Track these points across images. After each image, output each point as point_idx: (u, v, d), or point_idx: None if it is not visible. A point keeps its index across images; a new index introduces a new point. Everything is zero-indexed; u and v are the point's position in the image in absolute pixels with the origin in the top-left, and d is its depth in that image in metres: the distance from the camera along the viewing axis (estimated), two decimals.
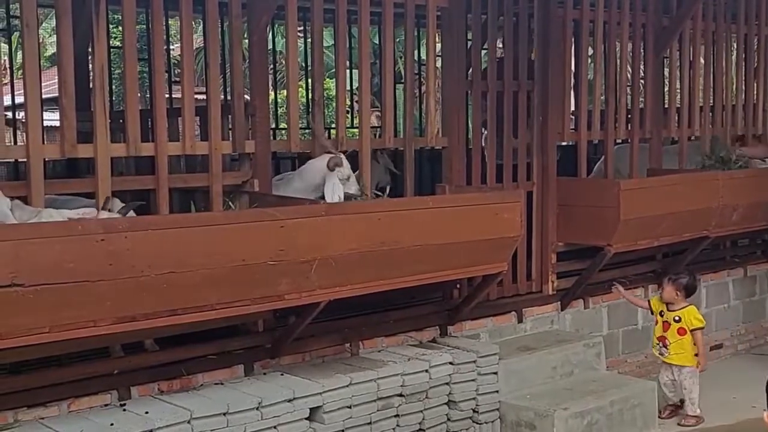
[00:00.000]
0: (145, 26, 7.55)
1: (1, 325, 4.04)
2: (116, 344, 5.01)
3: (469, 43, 6.83)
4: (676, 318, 6.62)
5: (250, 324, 5.50)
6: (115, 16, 8.18)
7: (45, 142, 4.95)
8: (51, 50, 19.34)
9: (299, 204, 5.21)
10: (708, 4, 8.12)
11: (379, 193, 6.10)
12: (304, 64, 9.13)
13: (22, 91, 5.07)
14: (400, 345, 6.10)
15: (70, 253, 4.13)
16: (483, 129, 6.81)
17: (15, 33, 9.01)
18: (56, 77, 4.92)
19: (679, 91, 8.15)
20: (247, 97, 5.60)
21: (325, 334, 5.81)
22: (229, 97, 6.03)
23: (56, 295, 4.10)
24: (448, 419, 5.84)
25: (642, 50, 7.88)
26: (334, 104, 7.69)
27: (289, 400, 5.10)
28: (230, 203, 5.37)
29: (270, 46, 8.67)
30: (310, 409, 5.19)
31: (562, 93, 7.13)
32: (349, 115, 9.29)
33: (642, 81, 8.23)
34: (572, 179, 7.26)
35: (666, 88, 8.76)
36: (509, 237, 5.83)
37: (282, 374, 5.41)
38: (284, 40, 6.34)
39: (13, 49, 9.21)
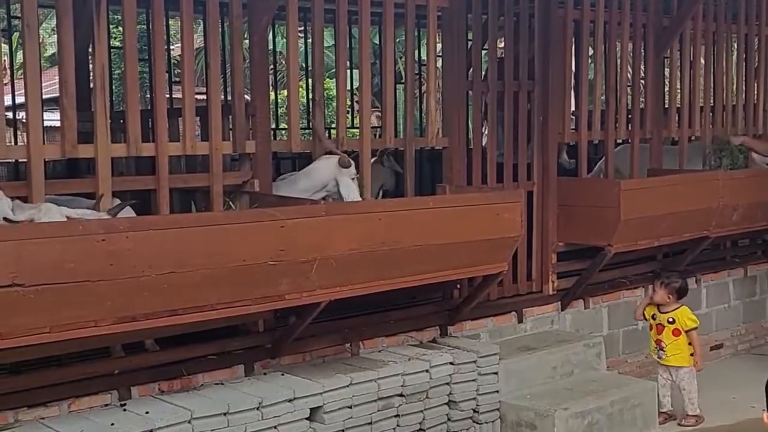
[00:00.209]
0: (145, 26, 7.55)
1: (2, 325, 4.04)
2: (117, 344, 5.02)
3: (470, 43, 6.84)
4: (670, 320, 6.62)
5: (250, 324, 5.50)
6: (116, 17, 8.18)
7: (45, 143, 4.94)
8: (51, 50, 19.35)
9: (299, 204, 5.21)
10: (708, 5, 8.12)
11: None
12: (304, 64, 9.13)
13: (23, 91, 5.07)
14: (400, 345, 6.10)
15: (71, 253, 4.13)
16: (483, 129, 6.82)
17: (15, 33, 9.01)
18: (56, 77, 4.92)
19: (679, 91, 8.15)
20: (247, 97, 5.60)
21: (326, 334, 5.81)
22: (229, 98, 6.04)
23: (57, 295, 4.10)
24: (449, 419, 5.84)
25: (642, 50, 7.88)
26: (334, 104, 7.69)
27: (290, 400, 5.10)
28: (231, 203, 5.37)
29: (270, 47, 8.66)
30: (311, 409, 5.19)
31: (563, 93, 7.13)
32: (349, 115, 9.29)
33: (642, 81, 8.23)
34: (573, 179, 7.26)
35: (666, 89, 8.76)
36: (510, 237, 5.83)
37: (282, 374, 5.41)
38: (285, 40, 6.34)
39: (13, 49, 9.19)
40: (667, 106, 8.44)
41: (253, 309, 4.88)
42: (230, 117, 5.50)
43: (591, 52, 8.03)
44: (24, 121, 5.21)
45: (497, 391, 6.08)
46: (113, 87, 6.66)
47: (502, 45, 7.06)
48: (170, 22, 9.29)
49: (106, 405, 4.90)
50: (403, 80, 6.64)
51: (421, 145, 6.79)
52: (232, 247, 4.63)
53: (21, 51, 4.95)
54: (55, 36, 5.04)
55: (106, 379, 4.97)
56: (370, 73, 6.29)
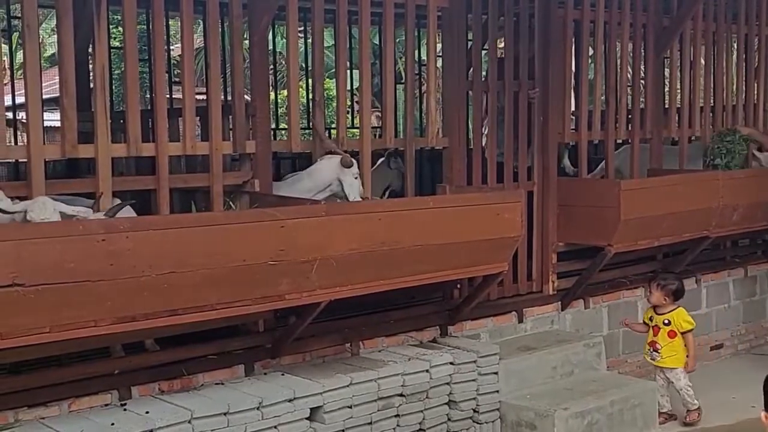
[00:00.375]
0: (145, 26, 7.55)
1: (2, 325, 4.05)
2: (117, 344, 5.02)
3: (470, 43, 6.83)
4: (666, 321, 6.61)
5: (250, 324, 5.50)
6: (115, 17, 8.18)
7: (45, 143, 4.94)
8: (51, 50, 19.34)
9: (299, 204, 5.21)
10: (708, 5, 8.12)
11: None
12: (304, 65, 9.13)
13: (22, 91, 5.07)
14: (400, 345, 6.10)
15: (71, 253, 4.13)
16: (483, 129, 6.82)
17: (15, 33, 9.01)
18: (56, 77, 4.92)
19: (679, 91, 8.15)
20: (247, 97, 5.60)
21: (326, 334, 5.81)
22: (229, 98, 6.04)
23: (57, 295, 4.10)
24: (449, 419, 5.84)
25: (642, 50, 7.88)
26: (334, 104, 7.70)
27: (290, 400, 5.10)
28: (231, 203, 5.37)
29: (270, 47, 8.66)
30: (311, 409, 5.19)
31: (563, 93, 7.13)
32: (349, 115, 9.29)
33: (642, 81, 8.23)
34: (573, 179, 7.26)
35: (666, 89, 8.76)
36: (510, 237, 5.83)
37: (282, 374, 5.41)
38: (284, 40, 6.34)
39: (13, 49, 9.19)
40: (667, 106, 8.44)
41: (253, 309, 4.88)
42: (230, 117, 5.51)
43: (591, 52, 8.02)
44: (24, 121, 5.21)
45: (497, 391, 6.07)
46: (113, 87, 6.66)
47: (502, 45, 7.07)
48: (170, 23, 9.30)
49: (106, 405, 4.90)
50: (403, 80, 6.64)
51: (421, 145, 6.79)
52: (232, 247, 4.63)
53: (21, 51, 4.96)
54: (55, 36, 5.05)
55: (107, 379, 4.97)
56: (370, 73, 6.29)
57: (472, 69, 6.72)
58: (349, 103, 8.84)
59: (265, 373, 5.45)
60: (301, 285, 4.91)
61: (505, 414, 6.09)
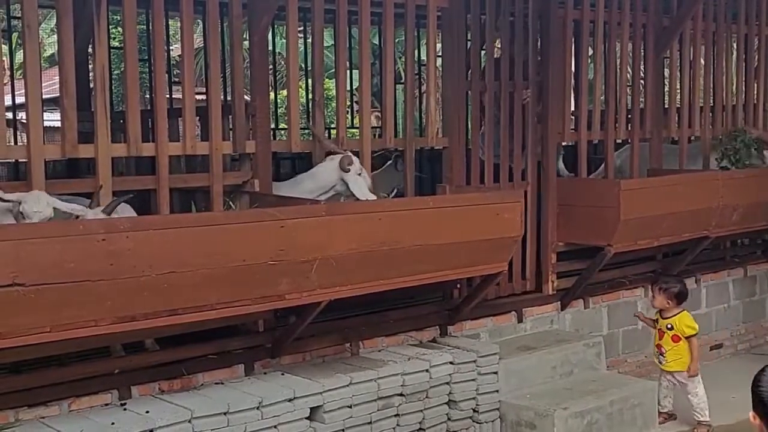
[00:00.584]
0: (145, 27, 7.56)
1: (2, 325, 4.05)
2: (117, 344, 5.02)
3: (470, 43, 6.84)
4: (669, 326, 6.56)
5: (250, 324, 5.50)
6: (115, 17, 8.19)
7: (45, 143, 4.95)
8: (50, 51, 19.34)
9: (299, 204, 5.21)
10: (708, 5, 8.13)
11: None
12: (304, 65, 9.14)
13: (22, 91, 5.07)
14: (400, 345, 6.11)
15: (71, 252, 4.13)
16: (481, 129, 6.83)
17: (14, 33, 9.01)
18: (55, 78, 4.93)
19: (679, 91, 8.16)
20: (247, 97, 5.60)
21: (326, 334, 5.81)
22: (229, 98, 6.04)
23: (57, 294, 4.10)
24: (449, 419, 5.85)
25: (642, 50, 7.88)
26: (333, 104, 7.70)
27: (290, 400, 5.10)
28: (231, 203, 5.38)
29: (270, 47, 8.66)
30: (311, 408, 5.19)
31: (563, 93, 7.13)
32: (348, 116, 9.30)
33: (642, 81, 8.24)
34: (573, 179, 7.26)
35: (666, 89, 8.77)
36: (509, 237, 5.84)
37: (282, 374, 5.42)
38: (284, 40, 6.35)
39: (12, 49, 9.20)
40: (666, 106, 8.45)
41: (253, 309, 4.88)
42: (230, 117, 5.51)
43: (591, 52, 8.03)
44: (23, 121, 5.22)
45: (497, 391, 6.08)
46: (113, 87, 6.67)
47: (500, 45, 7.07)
48: (170, 23, 9.31)
49: (106, 404, 4.91)
50: (402, 80, 6.64)
51: (421, 145, 6.80)
52: (232, 247, 4.63)
53: (20, 51, 4.96)
54: (55, 36, 5.05)
55: (107, 379, 4.97)
56: (370, 73, 6.30)
57: (471, 69, 6.72)
58: (348, 103, 8.84)
59: (265, 373, 5.46)
60: (301, 285, 4.92)
61: (504, 414, 6.09)
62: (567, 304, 7.18)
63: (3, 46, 8.68)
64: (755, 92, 8.81)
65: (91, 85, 6.38)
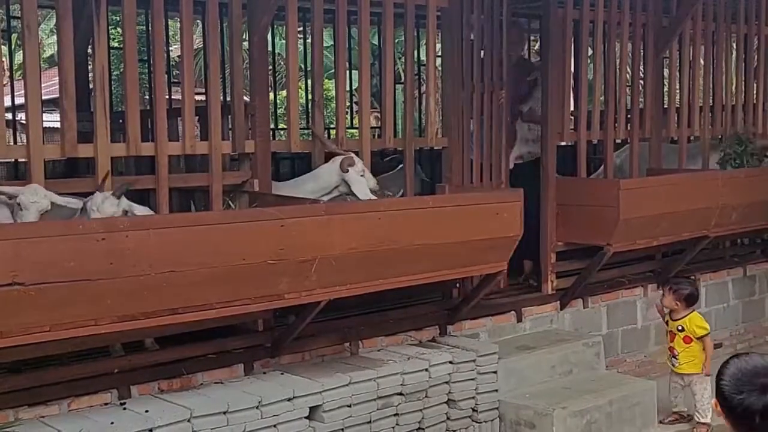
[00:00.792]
0: (144, 27, 7.56)
1: (2, 324, 4.06)
2: (116, 343, 5.03)
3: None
4: (680, 327, 6.53)
5: (250, 323, 5.51)
6: (114, 17, 8.19)
7: (44, 143, 4.95)
8: (50, 51, 19.35)
9: (299, 203, 5.22)
10: (708, 4, 8.12)
11: None
12: (303, 65, 9.14)
13: (21, 92, 5.08)
14: (399, 344, 6.11)
15: (71, 252, 4.15)
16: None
17: (14, 34, 9.02)
18: (55, 78, 4.93)
19: (678, 91, 8.16)
20: (246, 98, 5.61)
21: (325, 334, 5.82)
22: (228, 98, 6.04)
23: (57, 293, 4.11)
24: (448, 418, 5.85)
25: (642, 50, 7.89)
26: (333, 105, 7.70)
27: (289, 399, 5.11)
28: (230, 203, 5.39)
29: (269, 48, 8.67)
30: (310, 408, 5.20)
31: (562, 93, 7.14)
32: (348, 116, 9.30)
33: (642, 81, 8.24)
34: (572, 179, 7.27)
35: (666, 88, 8.77)
36: (509, 236, 5.84)
37: (282, 373, 5.43)
38: (283, 41, 6.35)
39: (12, 50, 9.20)
40: (666, 105, 8.45)
41: (252, 308, 4.90)
42: (229, 117, 5.51)
43: (590, 52, 8.03)
44: (23, 122, 5.23)
45: (496, 390, 6.08)
46: (112, 88, 6.68)
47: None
48: (169, 23, 9.31)
49: (106, 404, 4.92)
50: (402, 81, 6.64)
51: (420, 146, 6.80)
52: (232, 247, 4.64)
53: (19, 52, 4.97)
54: (54, 37, 5.06)
55: (106, 378, 4.98)
56: (369, 73, 6.30)
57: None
58: (348, 103, 8.84)
59: (264, 373, 5.46)
60: (301, 284, 4.92)
61: (504, 413, 6.10)
62: (566, 303, 7.19)
63: (3, 47, 8.69)
64: (755, 92, 8.81)
65: (91, 86, 6.38)
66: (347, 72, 6.82)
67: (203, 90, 5.53)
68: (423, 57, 7.98)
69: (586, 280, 7.12)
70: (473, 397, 5.97)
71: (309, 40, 7.86)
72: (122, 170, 5.72)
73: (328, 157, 5.79)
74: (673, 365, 6.60)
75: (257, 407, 4.98)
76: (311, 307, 5.16)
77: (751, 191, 7.71)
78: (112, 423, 4.61)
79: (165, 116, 5.20)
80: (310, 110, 7.21)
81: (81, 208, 4.67)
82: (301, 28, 8.67)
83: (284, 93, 6.63)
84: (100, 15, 4.85)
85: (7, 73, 8.07)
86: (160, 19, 5.45)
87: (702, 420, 6.54)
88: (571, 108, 7.73)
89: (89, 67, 6.87)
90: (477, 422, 5.99)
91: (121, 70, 5.63)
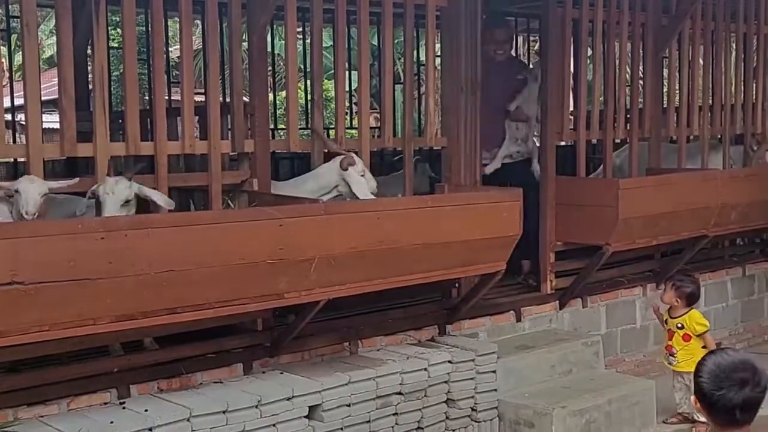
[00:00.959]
0: (144, 28, 7.56)
1: (2, 323, 4.06)
2: (116, 343, 5.03)
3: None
4: (679, 325, 6.52)
5: (249, 323, 5.51)
6: (114, 18, 8.19)
7: (43, 143, 4.96)
8: (49, 52, 19.34)
9: (298, 203, 5.22)
10: (707, 4, 8.13)
11: None
12: (303, 66, 9.14)
13: (21, 92, 5.08)
14: (398, 344, 6.11)
15: (71, 251, 4.15)
16: None
17: (13, 35, 9.02)
18: (54, 79, 4.93)
19: (678, 90, 8.16)
20: (245, 99, 5.61)
21: (325, 333, 5.82)
22: (228, 98, 6.04)
23: (56, 293, 4.12)
24: (447, 417, 5.86)
25: (641, 50, 7.89)
26: (332, 105, 7.70)
27: (288, 399, 5.11)
28: (229, 202, 5.39)
29: (269, 48, 8.68)
30: (309, 407, 5.20)
31: (561, 92, 7.14)
32: (347, 117, 9.30)
33: (641, 80, 8.24)
34: (571, 178, 7.27)
35: (665, 88, 8.77)
36: (508, 236, 5.84)
37: (281, 373, 5.43)
38: (283, 42, 6.35)
39: (11, 51, 9.20)
40: (665, 105, 8.45)
41: (251, 308, 4.90)
42: (229, 116, 5.52)
43: (589, 52, 8.03)
44: (22, 123, 5.23)
45: (495, 390, 6.08)
46: (111, 89, 6.68)
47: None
48: (169, 24, 9.32)
49: (105, 403, 4.92)
50: (401, 81, 6.64)
51: (420, 145, 6.80)
52: (231, 246, 4.65)
53: (19, 53, 4.97)
54: (53, 38, 5.06)
55: (106, 378, 4.98)
56: (369, 72, 6.30)
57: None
58: (347, 104, 8.84)
59: (263, 372, 5.47)
60: (300, 284, 4.93)
61: (503, 412, 6.10)
62: (565, 303, 7.19)
63: (2, 47, 8.70)
64: (754, 91, 8.81)
65: (90, 86, 6.38)
66: (346, 72, 6.80)
67: (203, 90, 5.53)
68: (423, 57, 7.98)
69: (585, 279, 7.12)
70: (472, 397, 5.97)
71: (308, 41, 7.86)
72: (121, 170, 5.70)
73: (328, 157, 5.79)
74: (671, 363, 6.60)
75: (256, 406, 4.99)
76: (310, 307, 5.17)
77: (750, 191, 7.72)
78: (111, 422, 4.62)
79: (164, 115, 5.20)
80: (309, 110, 7.20)
81: (88, 197, 4.68)
82: (301, 29, 8.67)
83: (284, 94, 6.62)
84: (99, 14, 4.85)
85: (7, 74, 8.08)
86: (159, 18, 5.45)
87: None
88: (571, 108, 7.74)
89: (89, 68, 6.87)
90: (476, 422, 5.99)
91: (121, 70, 5.63)
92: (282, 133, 8.02)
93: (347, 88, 7.45)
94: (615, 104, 7.69)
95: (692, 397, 2.83)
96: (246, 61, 5.68)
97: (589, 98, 7.57)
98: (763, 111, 8.82)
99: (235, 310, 4.81)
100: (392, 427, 5.56)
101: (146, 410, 4.77)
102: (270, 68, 8.99)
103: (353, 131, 7.46)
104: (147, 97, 9.65)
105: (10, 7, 7.56)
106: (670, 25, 7.86)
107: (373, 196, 5.61)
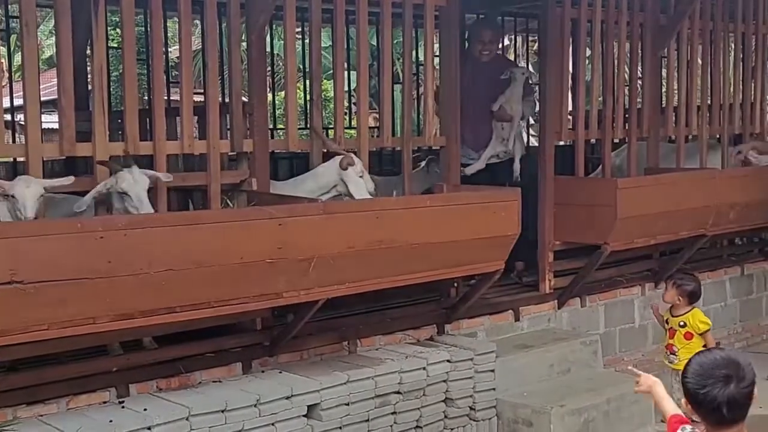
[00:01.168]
0: (143, 28, 7.56)
1: (1, 323, 4.07)
2: (115, 342, 5.04)
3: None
4: (681, 323, 6.51)
5: (248, 322, 5.52)
6: (113, 18, 8.19)
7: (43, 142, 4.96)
8: (49, 52, 19.33)
9: (297, 202, 5.23)
10: (705, 3, 8.13)
11: None
12: (301, 66, 9.14)
13: (20, 93, 5.08)
14: (397, 343, 6.12)
15: (70, 250, 4.16)
16: None
17: (12, 36, 9.02)
18: (53, 80, 4.94)
19: (676, 90, 8.17)
20: (244, 98, 5.62)
21: (323, 333, 5.83)
22: (227, 98, 6.05)
23: (55, 292, 4.13)
24: (445, 416, 5.87)
25: (640, 49, 7.90)
26: (331, 105, 7.71)
27: (287, 398, 5.12)
28: (228, 202, 5.40)
29: (268, 49, 8.68)
30: (308, 406, 5.21)
31: (560, 92, 7.15)
32: (347, 117, 9.31)
33: (640, 80, 8.25)
34: (570, 178, 7.28)
35: (664, 88, 8.77)
36: (506, 235, 5.86)
37: (280, 372, 5.44)
38: (282, 41, 6.35)
39: (10, 52, 9.22)
40: (664, 105, 8.46)
41: (250, 307, 4.91)
42: (228, 116, 5.52)
43: (588, 52, 8.04)
44: (22, 123, 5.23)
45: (494, 389, 6.09)
46: (111, 89, 6.68)
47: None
48: (168, 24, 9.32)
49: (104, 402, 4.93)
50: (400, 81, 6.65)
51: (419, 145, 6.81)
52: (230, 245, 4.66)
53: (18, 53, 4.97)
54: (53, 38, 5.06)
55: (105, 377, 4.99)
56: (367, 72, 6.30)
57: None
58: (346, 104, 8.85)
59: (262, 371, 5.48)
60: (299, 283, 4.94)
61: (501, 411, 6.11)
62: (564, 302, 7.20)
63: (1, 48, 8.71)
64: (752, 91, 8.82)
65: (89, 87, 6.38)
66: (345, 72, 6.81)
67: (202, 91, 5.54)
68: (421, 57, 7.99)
69: (583, 279, 7.13)
70: (471, 396, 5.98)
71: (307, 41, 7.86)
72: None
73: (327, 157, 5.80)
74: (671, 362, 6.60)
75: (255, 405, 5.00)
76: (309, 306, 5.18)
77: (749, 190, 7.73)
78: (110, 421, 4.63)
79: (163, 115, 5.21)
80: (308, 110, 7.21)
81: (104, 192, 4.68)
82: (300, 29, 8.68)
83: (283, 94, 6.63)
84: (98, 14, 4.86)
85: (6, 75, 8.09)
86: (158, 18, 5.46)
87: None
88: (570, 107, 7.75)
89: (88, 68, 6.87)
90: (474, 420, 6.00)
91: (120, 70, 5.63)
92: (281, 133, 8.02)
93: (346, 88, 7.47)
94: (614, 104, 7.70)
95: (683, 399, 2.83)
96: (245, 61, 5.68)
97: (588, 98, 7.58)
98: (762, 111, 8.83)
99: (234, 309, 4.82)
100: (391, 426, 5.57)
101: (145, 409, 4.78)
102: (269, 68, 8.99)
103: (352, 131, 7.47)
104: (146, 97, 9.67)
105: (9, 7, 7.56)
106: (669, 24, 7.86)
107: (370, 197, 5.62)
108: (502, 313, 6.85)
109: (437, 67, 7.05)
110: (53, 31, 5.11)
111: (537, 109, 8.72)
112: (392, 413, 5.57)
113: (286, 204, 5.10)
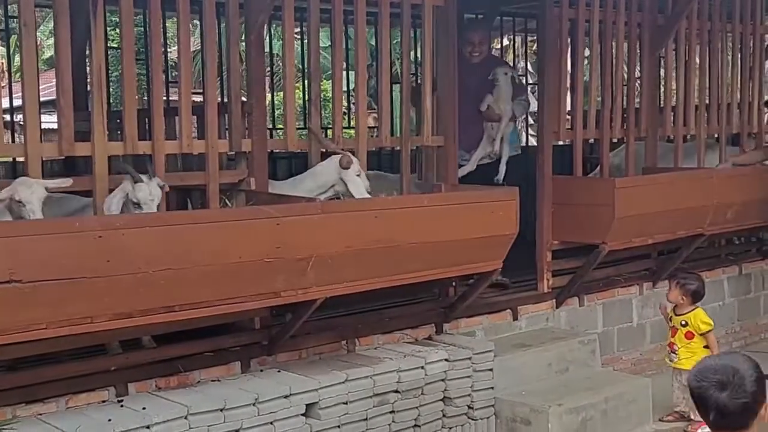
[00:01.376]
0: (142, 28, 7.58)
1: (0, 322, 4.08)
2: (113, 341, 5.05)
3: None
4: (683, 322, 6.54)
5: (246, 321, 5.53)
6: (112, 18, 8.20)
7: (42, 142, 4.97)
8: (48, 53, 19.33)
9: (295, 202, 5.24)
10: (703, 3, 8.14)
11: None
12: (300, 66, 9.15)
13: (20, 93, 5.09)
14: (396, 342, 6.13)
15: (68, 249, 4.17)
16: None
17: (12, 36, 9.03)
18: (53, 80, 4.94)
19: (674, 90, 8.18)
20: (243, 98, 5.63)
21: (322, 332, 5.84)
22: (226, 98, 6.06)
23: (54, 291, 4.14)
24: (444, 415, 5.87)
25: (638, 49, 7.91)
26: (330, 106, 7.72)
27: (286, 396, 5.13)
28: (227, 201, 5.41)
29: (266, 49, 8.69)
30: (307, 405, 5.22)
31: (558, 92, 7.17)
32: (345, 117, 9.32)
33: (638, 80, 8.26)
34: (568, 177, 7.29)
35: (662, 87, 8.78)
36: (504, 235, 5.87)
37: (278, 371, 5.45)
38: (280, 41, 6.37)
39: (10, 53, 9.22)
40: (662, 104, 8.47)
41: (249, 306, 4.92)
42: (226, 116, 5.53)
43: (586, 51, 8.06)
44: (21, 123, 5.24)
45: (492, 388, 6.10)
46: (110, 89, 6.69)
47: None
48: (167, 24, 9.33)
49: (103, 401, 4.93)
50: (399, 80, 6.66)
51: (417, 144, 6.81)
52: (228, 245, 4.67)
53: (18, 54, 4.98)
54: (52, 39, 5.07)
55: (104, 376, 5.00)
56: (366, 71, 6.31)
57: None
58: (345, 104, 8.86)
59: (261, 370, 5.49)
60: (297, 282, 4.95)
61: (499, 410, 6.12)
62: (562, 302, 7.21)
63: (1, 48, 8.72)
64: (750, 91, 8.83)
65: (89, 87, 6.39)
66: (344, 71, 6.82)
67: (201, 91, 5.55)
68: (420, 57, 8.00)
69: (581, 278, 7.14)
70: (469, 395, 5.99)
71: (306, 41, 7.87)
72: (120, 170, 5.72)
73: (326, 157, 5.80)
74: (672, 360, 6.63)
75: (254, 404, 5.01)
76: (308, 305, 5.18)
77: (747, 189, 7.74)
78: (109, 420, 4.63)
79: (162, 114, 5.22)
80: (307, 110, 7.21)
81: (124, 203, 4.70)
82: (298, 29, 8.69)
83: (282, 94, 6.65)
84: (97, 14, 4.87)
85: (6, 75, 8.10)
86: (157, 17, 5.47)
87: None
88: (568, 107, 7.76)
89: (87, 69, 6.88)
90: (473, 419, 6.01)
91: (120, 70, 5.64)
92: (280, 133, 8.04)
93: (345, 88, 7.48)
94: (612, 104, 7.71)
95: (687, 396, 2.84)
96: (244, 60, 5.70)
97: (586, 98, 7.59)
98: (760, 110, 8.84)
99: (233, 308, 4.83)
100: (389, 424, 5.58)
101: (144, 408, 4.79)
102: (268, 68, 9.01)
103: (351, 131, 7.48)
104: (145, 97, 9.68)
105: (9, 7, 7.58)
106: (667, 24, 7.87)
107: (368, 196, 5.63)
108: (500, 313, 6.86)
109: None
110: (52, 32, 5.10)
111: (532, 108, 8.75)
112: (390, 412, 5.58)
113: (285, 203, 5.11)
